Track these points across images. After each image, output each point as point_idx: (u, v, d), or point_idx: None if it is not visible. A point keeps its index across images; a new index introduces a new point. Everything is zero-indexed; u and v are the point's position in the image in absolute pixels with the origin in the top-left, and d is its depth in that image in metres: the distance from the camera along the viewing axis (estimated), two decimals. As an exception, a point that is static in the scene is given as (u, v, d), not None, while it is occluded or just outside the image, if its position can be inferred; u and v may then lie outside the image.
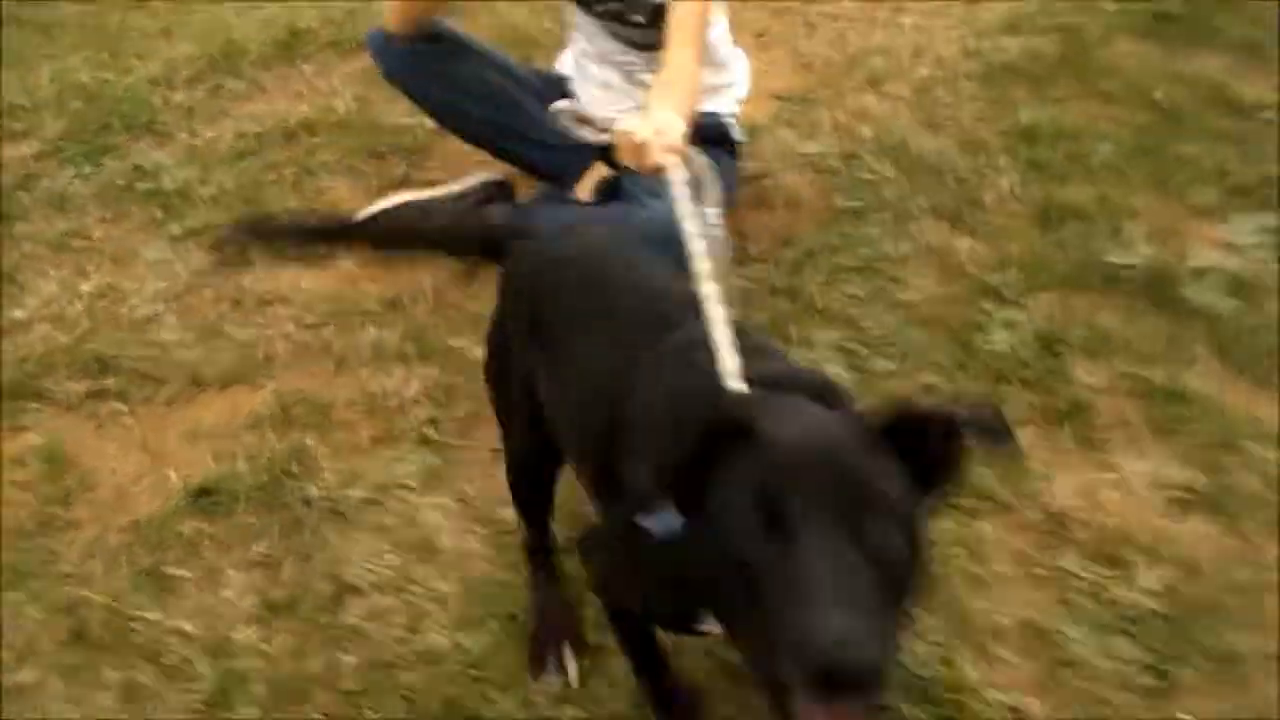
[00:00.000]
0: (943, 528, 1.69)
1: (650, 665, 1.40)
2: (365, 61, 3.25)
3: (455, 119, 2.36)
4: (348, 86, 3.14)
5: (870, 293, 2.21)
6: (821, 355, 2.05)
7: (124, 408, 2.05)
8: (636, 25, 2.19)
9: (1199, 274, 2.18)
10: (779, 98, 2.96)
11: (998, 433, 0.90)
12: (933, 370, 2.00)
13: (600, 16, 2.22)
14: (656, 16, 2.12)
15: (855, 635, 0.75)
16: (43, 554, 1.77)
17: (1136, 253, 2.25)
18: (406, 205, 2.38)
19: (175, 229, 2.53)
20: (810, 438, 0.88)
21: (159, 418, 2.04)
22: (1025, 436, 1.85)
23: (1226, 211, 2.39)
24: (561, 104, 1.81)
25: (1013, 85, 2.89)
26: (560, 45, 2.58)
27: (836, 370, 2.00)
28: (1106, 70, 2.92)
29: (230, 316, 2.28)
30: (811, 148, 2.71)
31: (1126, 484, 1.77)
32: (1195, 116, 2.71)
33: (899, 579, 0.83)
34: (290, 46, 3.38)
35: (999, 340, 2.04)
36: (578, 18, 2.30)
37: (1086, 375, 1.97)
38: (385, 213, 2.37)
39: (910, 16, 3.37)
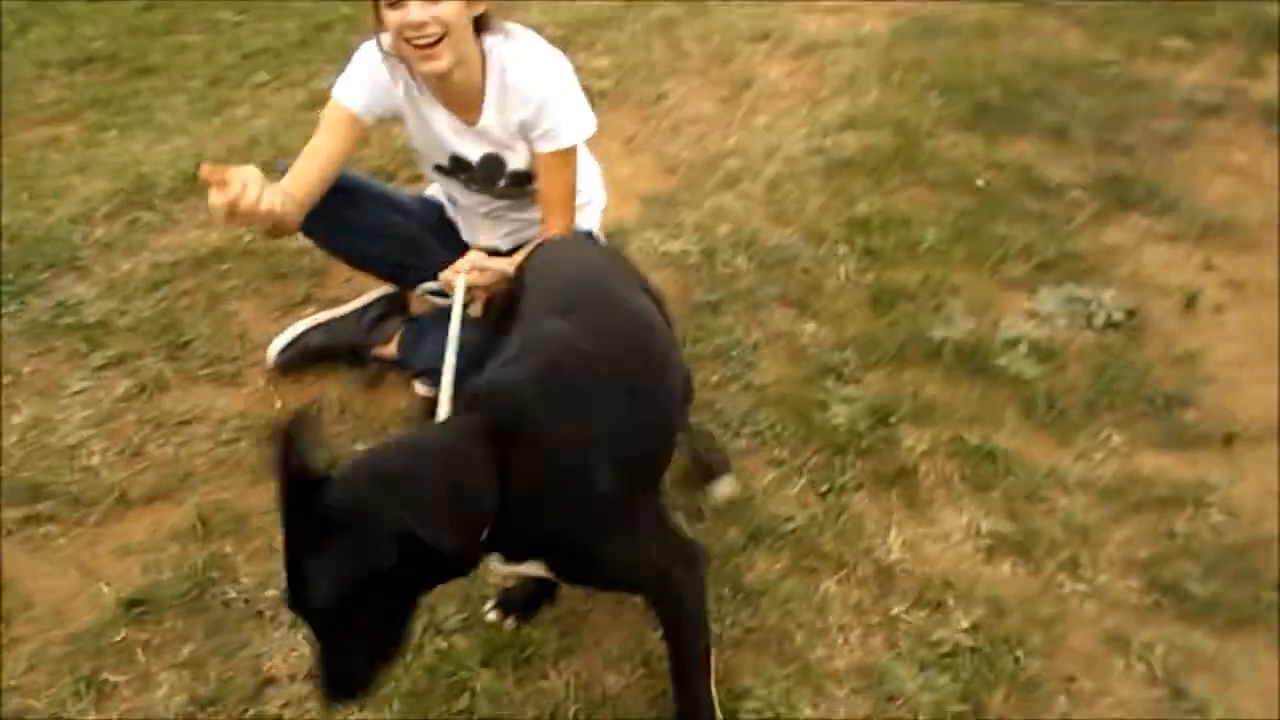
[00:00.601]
0: (788, 587, 1.97)
1: None
2: (270, 188, 3.53)
3: (360, 260, 2.54)
4: (254, 214, 3.39)
5: (726, 378, 2.51)
6: (683, 439, 2.33)
7: (56, 529, 2.23)
8: (498, 188, 2.40)
9: (1011, 343, 2.52)
10: (645, 200, 3.29)
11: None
12: (780, 445, 2.29)
13: (462, 181, 2.42)
14: (517, 181, 2.37)
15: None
16: (-13, 672, 1.95)
17: (956, 327, 2.58)
18: (314, 328, 2.62)
19: (97, 359, 2.73)
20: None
21: (90, 537, 2.22)
22: (860, 501, 2.15)
23: (1035, 284, 2.75)
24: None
25: (852, 178, 3.27)
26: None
27: (698, 451, 2.29)
28: (934, 160, 3.32)
29: (152, 438, 2.48)
30: (674, 246, 3.02)
31: (946, 536, 2.07)
32: (1009, 199, 3.10)
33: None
34: (197, 178, 3.61)
35: (838, 414, 2.34)
36: (434, 177, 2.51)
37: (914, 441, 2.28)
38: (296, 340, 2.61)
39: (763, 117, 3.75)
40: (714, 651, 1.82)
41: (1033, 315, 2.64)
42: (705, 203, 3.23)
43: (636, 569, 1.51)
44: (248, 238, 3.23)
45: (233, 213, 1.94)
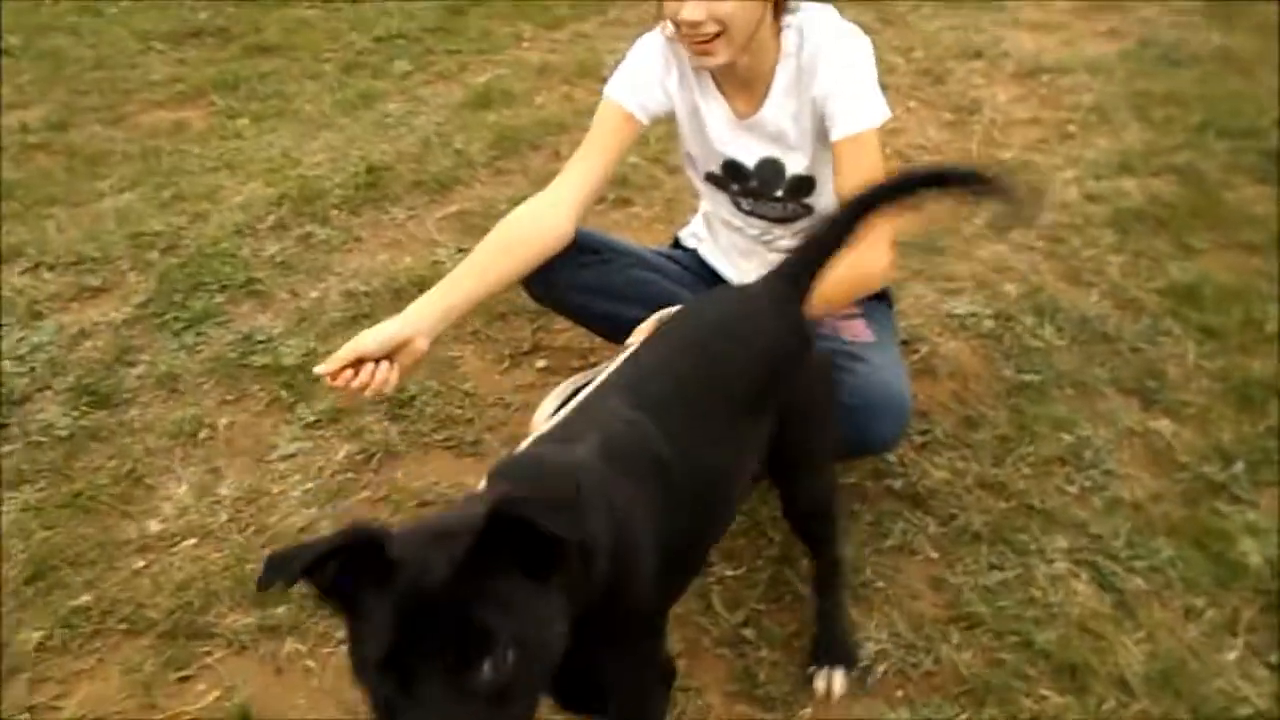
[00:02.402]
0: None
1: None
2: (457, 205, 3.12)
3: (610, 324, 2.13)
4: (446, 235, 2.97)
5: (1086, 489, 2.09)
6: (1065, 568, 1.91)
7: (303, 647, 1.82)
8: (775, 200, 2.06)
9: None
10: (897, 242, 2.84)
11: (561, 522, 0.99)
12: (1191, 590, 1.87)
13: (734, 194, 2.10)
14: (797, 190, 2.03)
15: None
16: None
17: (1359, 440, 2.16)
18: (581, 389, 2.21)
19: (306, 413, 2.31)
20: (424, 580, 0.96)
21: (345, 657, 1.81)
22: (1320, 678, 1.73)
23: None
24: None
25: (1149, 235, 2.84)
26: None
27: (1088, 591, 1.87)
28: (1240, 217, 2.88)
29: (392, 523, 2.06)
30: (958, 307, 2.60)
31: None
32: (1348, 271, 2.67)
33: (506, 698, 0.95)
34: (374, 187, 3.19)
35: (1250, 552, 1.92)
36: (705, 191, 2.18)
37: (1359, 592, 1.86)
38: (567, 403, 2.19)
39: (1008, 151, 3.32)
40: None
41: None
42: (976, 252, 2.80)
43: (628, 682, 1.33)
44: (447, 260, 2.81)
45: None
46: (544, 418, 2.17)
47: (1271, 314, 2.50)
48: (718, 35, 1.78)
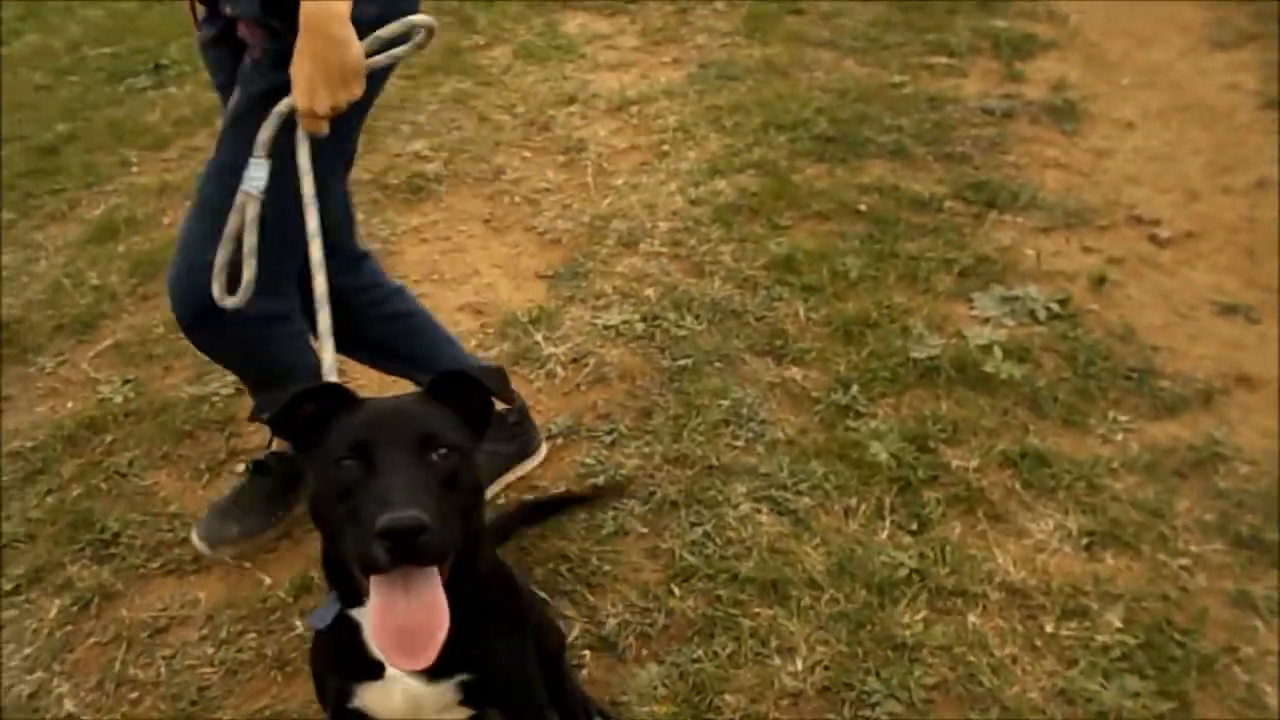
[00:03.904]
0: (940, 633, 1.95)
1: None
2: (109, 340, 3.04)
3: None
4: (105, 371, 2.89)
5: (749, 439, 2.45)
6: (748, 509, 2.25)
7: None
8: None
9: (985, 350, 2.66)
10: (547, 278, 3.15)
11: (503, 389, 1.39)
12: (845, 494, 2.27)
13: None
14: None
15: (412, 510, 1.13)
16: None
17: (929, 344, 2.69)
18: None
19: (2, 582, 2.21)
20: (389, 404, 1.35)
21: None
22: (951, 530, 2.18)
23: (967, 292, 2.92)
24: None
25: (746, 222, 3.31)
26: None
27: (770, 520, 2.22)
28: (810, 193, 3.44)
29: (129, 659, 2.04)
30: (612, 319, 2.92)
31: (1044, 545, 2.14)
32: (897, 218, 3.27)
33: (454, 484, 1.25)
34: (9, 343, 3.03)
35: (879, 451, 2.36)
36: None
37: (961, 461, 2.34)
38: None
39: (619, 177, 3.72)
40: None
41: (984, 321, 2.80)
42: (614, 268, 3.15)
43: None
44: (118, 397, 2.75)
45: None
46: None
47: (851, 264, 3.03)
48: None
